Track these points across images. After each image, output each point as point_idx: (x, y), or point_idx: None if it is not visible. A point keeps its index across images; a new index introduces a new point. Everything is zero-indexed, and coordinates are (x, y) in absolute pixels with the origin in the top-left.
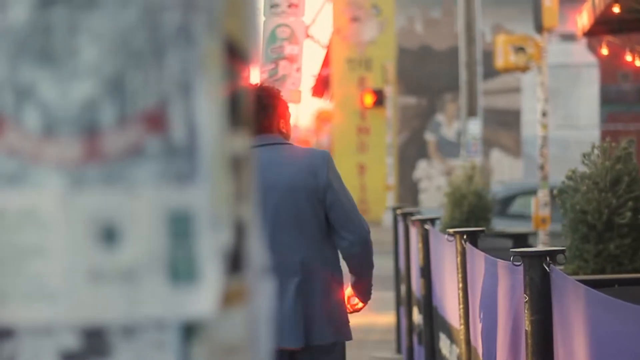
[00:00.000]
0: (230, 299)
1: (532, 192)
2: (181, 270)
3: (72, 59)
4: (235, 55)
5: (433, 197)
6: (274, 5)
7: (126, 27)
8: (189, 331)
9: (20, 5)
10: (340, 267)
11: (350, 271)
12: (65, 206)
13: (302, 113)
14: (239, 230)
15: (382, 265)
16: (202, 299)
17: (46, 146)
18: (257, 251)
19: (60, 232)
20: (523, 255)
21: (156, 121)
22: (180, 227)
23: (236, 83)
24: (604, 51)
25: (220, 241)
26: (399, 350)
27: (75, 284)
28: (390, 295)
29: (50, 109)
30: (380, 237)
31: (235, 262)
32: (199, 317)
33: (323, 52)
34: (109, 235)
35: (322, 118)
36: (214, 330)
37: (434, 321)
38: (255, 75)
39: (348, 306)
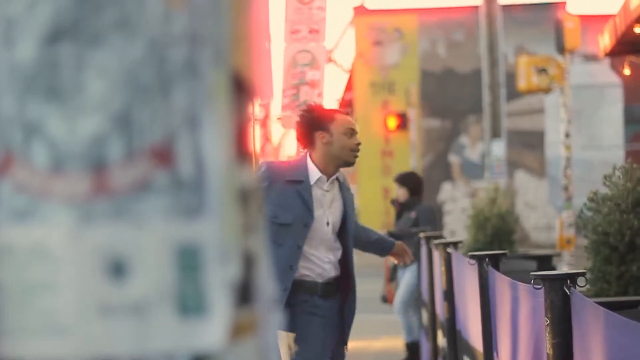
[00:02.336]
0: (239, 331)
1: None
2: (190, 303)
3: (79, 95)
4: (242, 88)
5: (458, 220)
6: (294, 31)
7: (132, 62)
8: None
9: (27, 43)
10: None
11: None
12: (74, 241)
13: None
14: (248, 262)
15: None
16: (211, 331)
17: (54, 181)
18: (267, 282)
19: (69, 267)
20: (544, 278)
21: (163, 155)
22: (188, 260)
23: (243, 116)
24: (627, 71)
25: (229, 274)
26: None
27: (84, 318)
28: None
29: (58, 144)
30: None
31: (244, 294)
32: (208, 350)
33: (346, 76)
34: (118, 269)
35: None
36: None
37: (457, 344)
38: (274, 106)
39: None
